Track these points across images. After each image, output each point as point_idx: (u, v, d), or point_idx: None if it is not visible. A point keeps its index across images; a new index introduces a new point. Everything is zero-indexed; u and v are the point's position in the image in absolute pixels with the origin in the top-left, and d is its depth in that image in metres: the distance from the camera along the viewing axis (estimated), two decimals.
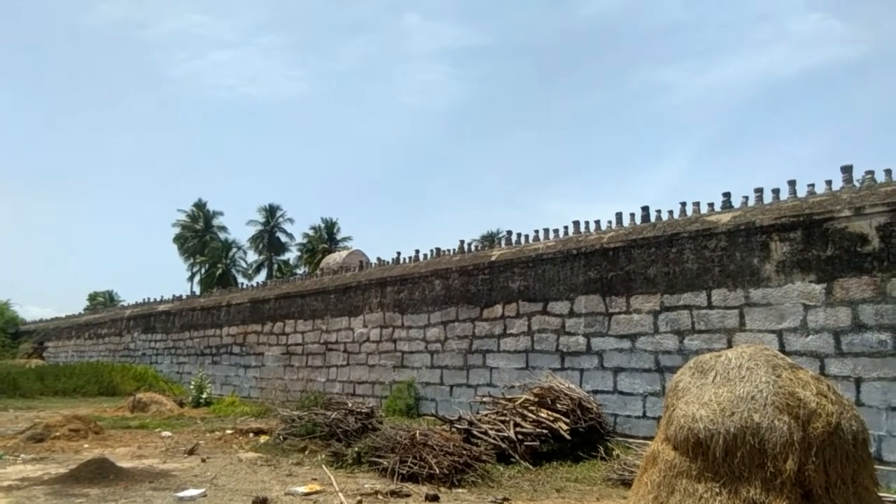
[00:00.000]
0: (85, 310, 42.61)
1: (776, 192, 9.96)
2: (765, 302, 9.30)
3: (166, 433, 12.44)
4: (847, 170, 9.33)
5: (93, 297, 63.33)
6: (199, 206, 61.07)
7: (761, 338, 9.14)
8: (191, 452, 10.04)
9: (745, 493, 4.44)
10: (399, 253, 16.64)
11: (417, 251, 16.06)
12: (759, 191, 10.14)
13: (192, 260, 59.14)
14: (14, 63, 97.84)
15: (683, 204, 11.00)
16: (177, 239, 60.21)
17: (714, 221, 10.12)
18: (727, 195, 10.59)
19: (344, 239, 56.38)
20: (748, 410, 4.65)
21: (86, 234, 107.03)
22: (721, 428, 4.64)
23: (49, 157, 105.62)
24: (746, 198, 10.33)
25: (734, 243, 9.73)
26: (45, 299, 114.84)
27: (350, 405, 11.04)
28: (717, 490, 4.54)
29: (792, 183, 9.82)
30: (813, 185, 9.63)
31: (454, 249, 15.07)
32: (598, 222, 12.22)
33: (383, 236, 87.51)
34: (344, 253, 24.81)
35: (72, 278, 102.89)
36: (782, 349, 8.74)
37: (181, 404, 17.60)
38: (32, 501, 6.72)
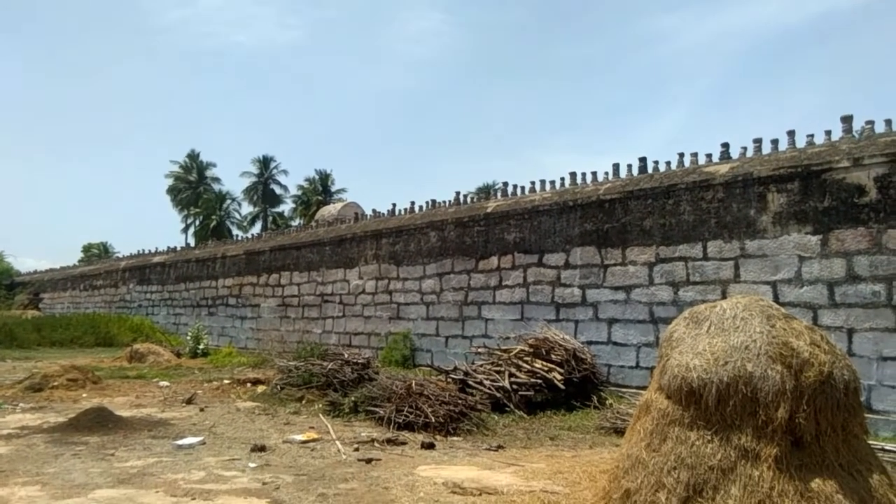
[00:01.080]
0: (80, 261, 42.58)
1: (775, 142, 9.86)
2: (760, 253, 9.31)
3: (164, 383, 12.56)
4: (847, 120, 9.24)
5: (87, 249, 63.16)
6: (192, 157, 60.50)
7: (756, 289, 9.19)
8: (189, 402, 10.14)
9: (736, 441, 4.49)
10: (394, 204, 16.58)
11: (413, 203, 16.00)
12: (758, 141, 10.04)
13: (186, 212, 58.85)
14: (3, 15, 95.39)
15: (681, 155, 10.91)
16: (170, 190, 59.81)
17: (712, 172, 10.05)
18: (725, 146, 10.49)
19: (339, 191, 56.08)
20: (742, 360, 4.67)
21: (79, 186, 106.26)
22: (714, 377, 4.66)
23: (39, 109, 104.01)
24: (745, 149, 10.23)
25: (731, 194, 9.69)
26: (40, 251, 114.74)
27: (346, 356, 11.12)
28: (709, 437, 4.59)
29: (791, 133, 9.73)
30: (812, 136, 9.55)
31: (450, 201, 15.00)
32: (594, 174, 12.14)
33: (378, 188, 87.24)
34: (339, 205, 24.73)
35: (66, 230, 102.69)
36: (777, 300, 8.80)
37: (178, 355, 17.74)
38: (32, 449, 6.79)
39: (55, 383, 11.16)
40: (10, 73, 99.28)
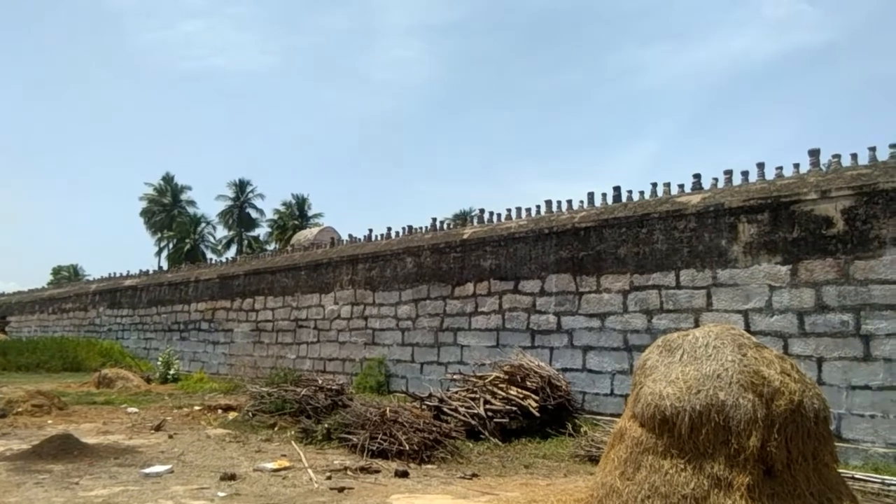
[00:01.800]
0: (49, 284, 41.79)
1: (745, 174, 10.08)
2: (732, 282, 9.44)
3: (132, 409, 12.29)
4: (814, 153, 9.48)
5: (57, 271, 62.15)
6: (167, 179, 60.02)
7: (728, 318, 9.30)
8: (157, 429, 9.93)
9: (709, 469, 4.52)
10: (371, 230, 16.57)
11: (389, 228, 16.00)
12: (729, 173, 10.25)
13: (159, 234, 58.20)
14: None
15: (654, 185, 11.10)
16: (144, 213, 59.18)
17: (684, 203, 10.22)
18: (697, 177, 10.70)
19: (315, 215, 55.93)
20: (714, 388, 4.73)
21: (50, 207, 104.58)
22: (687, 405, 4.71)
23: (9, 128, 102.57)
24: (716, 180, 10.44)
25: (703, 224, 9.85)
26: (8, 273, 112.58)
27: (320, 382, 11.00)
28: (682, 466, 4.62)
29: (761, 166, 9.94)
30: (781, 168, 9.77)
31: (426, 227, 15.04)
32: (570, 202, 12.27)
33: (355, 213, 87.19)
34: (315, 230, 24.64)
35: (36, 252, 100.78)
36: (748, 329, 8.90)
37: (148, 380, 17.41)
38: None
39: (20, 409, 10.88)
40: None
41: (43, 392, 12.04)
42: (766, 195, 9.30)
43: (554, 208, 12.48)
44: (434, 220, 15.07)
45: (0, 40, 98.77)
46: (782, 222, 9.05)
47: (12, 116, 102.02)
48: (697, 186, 10.63)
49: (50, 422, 10.54)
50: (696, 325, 9.37)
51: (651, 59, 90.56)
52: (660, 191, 11.00)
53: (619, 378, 10.43)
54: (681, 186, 10.82)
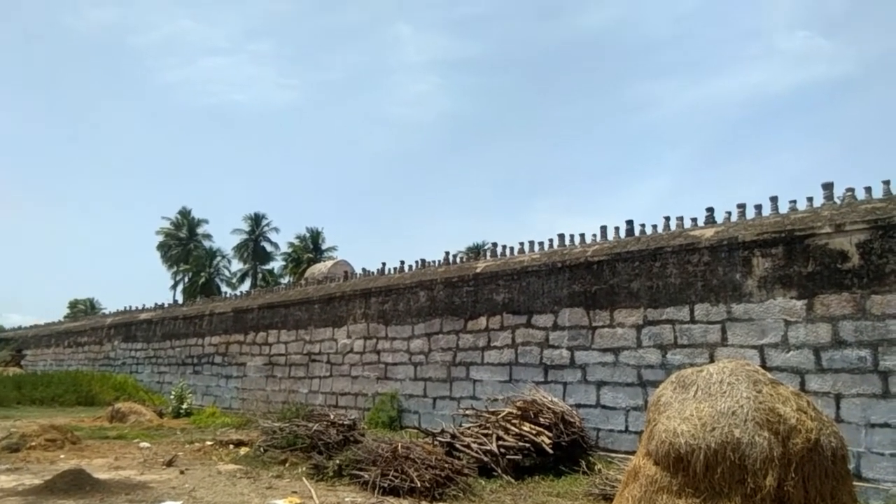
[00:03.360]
0: (65, 317, 42.13)
1: (759, 207, 10.05)
2: (746, 317, 9.36)
3: (145, 444, 12.27)
4: (828, 187, 9.45)
5: (73, 305, 62.61)
6: (184, 213, 60.74)
7: (743, 353, 9.19)
8: (169, 464, 9.90)
9: None
10: (384, 264, 16.61)
11: (402, 262, 16.04)
12: (742, 206, 10.24)
13: (175, 268, 58.69)
14: (0, 66, 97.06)
15: (668, 218, 11.08)
16: (160, 247, 59.78)
17: (697, 236, 10.19)
18: (710, 210, 10.69)
19: (329, 249, 56.26)
20: (729, 426, 4.66)
21: (67, 241, 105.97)
22: (702, 443, 4.64)
23: (29, 162, 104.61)
24: (729, 213, 10.42)
25: (717, 258, 9.80)
26: (25, 307, 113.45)
27: (332, 417, 10.95)
28: None
29: (774, 199, 9.92)
30: (795, 202, 9.74)
31: (439, 261, 15.07)
32: (582, 235, 12.28)
33: (369, 247, 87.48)
34: (329, 263, 24.74)
35: (53, 285, 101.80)
36: (763, 364, 8.80)
37: (161, 415, 17.40)
38: None
39: (33, 443, 10.90)
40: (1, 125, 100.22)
41: (56, 426, 12.06)
42: (779, 229, 9.26)
43: (567, 242, 12.48)
44: (447, 253, 15.12)
45: (24, 76, 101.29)
46: (797, 256, 8.99)
47: (32, 152, 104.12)
48: (711, 220, 10.61)
49: (62, 456, 10.54)
50: (712, 360, 9.27)
51: (664, 92, 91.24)
52: (673, 224, 10.99)
53: (634, 414, 10.29)
54: (694, 220, 10.81)
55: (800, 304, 8.86)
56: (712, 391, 5.02)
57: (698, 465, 4.61)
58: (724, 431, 4.66)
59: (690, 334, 9.90)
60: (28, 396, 21.04)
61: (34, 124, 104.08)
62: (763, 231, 9.42)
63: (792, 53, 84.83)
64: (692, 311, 9.94)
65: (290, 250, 57.65)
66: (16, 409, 19.17)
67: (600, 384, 10.85)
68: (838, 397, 8.33)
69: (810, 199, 9.58)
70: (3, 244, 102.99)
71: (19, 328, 39.60)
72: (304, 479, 8.80)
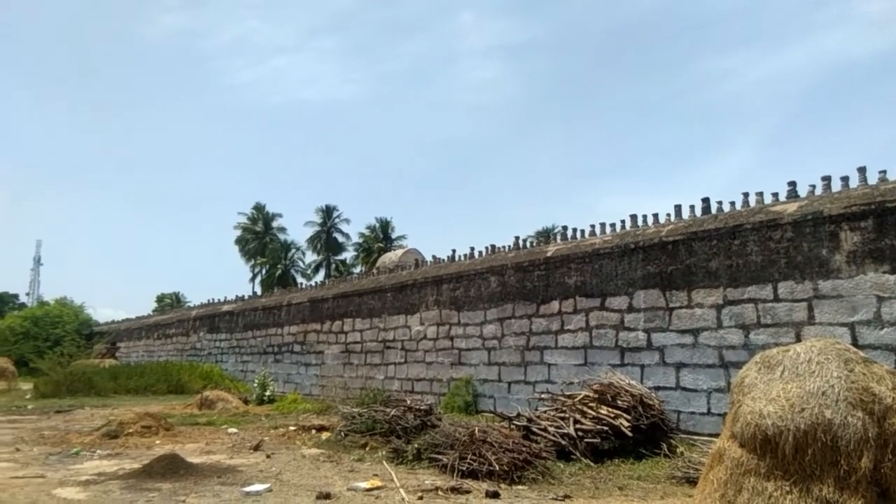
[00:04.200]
0: (153, 311, 44.24)
1: (845, 179, 9.56)
2: (835, 294, 8.95)
3: (232, 430, 12.80)
4: None
5: (161, 299, 65.61)
6: (259, 208, 62.63)
7: (832, 331, 8.80)
8: (256, 448, 10.30)
9: (817, 492, 4.29)
10: (454, 250, 16.70)
11: (472, 248, 16.08)
12: (827, 179, 9.76)
13: (253, 261, 60.66)
14: (88, 76, 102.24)
15: (746, 195, 10.68)
16: (238, 241, 61.91)
17: (779, 212, 9.79)
18: (792, 184, 10.23)
19: (399, 237, 56.92)
20: (819, 406, 4.49)
21: (154, 239, 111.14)
22: (790, 424, 4.49)
23: (118, 169, 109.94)
24: (813, 186, 9.95)
25: (801, 234, 9.39)
26: (117, 301, 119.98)
27: (409, 402, 11.12)
28: (788, 488, 4.40)
29: (862, 170, 9.41)
30: (885, 172, 9.22)
31: (509, 246, 15.02)
32: (656, 215, 11.98)
33: (438, 234, 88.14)
34: (399, 251, 25.02)
35: (142, 281, 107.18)
36: (854, 343, 8.40)
37: (246, 402, 18.08)
38: (108, 495, 7.01)
39: (130, 430, 11.52)
40: (90, 136, 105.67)
41: (151, 414, 12.72)
42: (869, 201, 8.79)
43: (639, 222, 12.21)
44: (517, 238, 15.05)
45: (106, 84, 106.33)
46: (888, 229, 8.51)
47: (119, 159, 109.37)
48: (793, 194, 10.16)
49: (158, 442, 11.12)
50: (798, 339, 8.92)
51: (737, 64, 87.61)
52: (752, 201, 10.58)
53: (716, 396, 10.02)
54: (775, 195, 10.38)
55: (893, 278, 8.40)
56: (800, 371, 4.84)
57: (787, 447, 4.46)
58: (813, 412, 4.49)
59: (774, 313, 9.54)
60: (123, 386, 22.27)
61: (117, 131, 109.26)
62: (851, 203, 8.96)
63: (871, 17, 79.84)
64: (776, 290, 9.57)
65: (360, 240, 58.70)
66: (112, 399, 20.34)
67: (679, 366, 10.60)
68: None
69: None
70: (96, 244, 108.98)
71: (112, 322, 41.88)
72: (384, 462, 9.00)
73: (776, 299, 9.56)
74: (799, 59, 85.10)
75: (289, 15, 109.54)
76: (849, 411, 4.41)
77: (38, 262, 74.20)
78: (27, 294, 67.21)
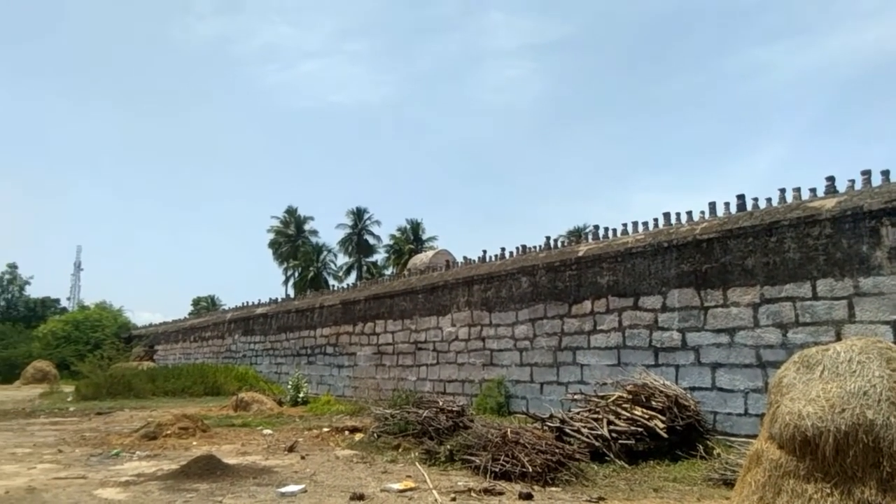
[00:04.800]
0: (190, 314, 45.04)
1: (885, 173, 9.32)
2: (876, 291, 8.71)
3: (267, 431, 12.96)
4: None
5: (196, 302, 66.75)
6: (291, 212, 63.36)
7: (873, 329, 8.58)
8: (290, 450, 10.40)
9: (858, 494, 4.18)
10: (485, 251, 16.67)
11: (503, 249, 16.03)
12: (867, 173, 9.51)
13: (285, 264, 61.39)
14: (124, 81, 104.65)
15: (783, 191, 10.47)
16: (271, 244, 62.72)
17: (817, 207, 9.57)
18: (831, 179, 9.99)
19: (429, 239, 57.05)
20: (860, 407, 4.38)
21: (190, 243, 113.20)
22: (831, 425, 4.38)
23: (154, 176, 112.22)
24: (853, 181, 9.71)
25: (840, 230, 9.17)
26: (154, 304, 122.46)
27: (441, 403, 11.13)
28: (829, 491, 4.29)
29: None
30: None
31: (540, 246, 14.94)
32: (689, 213, 11.81)
33: (468, 235, 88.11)
34: (430, 253, 25.09)
35: (178, 285, 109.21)
36: None
37: (280, 403, 18.28)
38: (148, 496, 7.15)
39: (168, 432, 11.73)
40: (124, 143, 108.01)
41: (188, 415, 12.93)
42: None
43: (672, 221, 12.05)
44: (548, 238, 14.97)
45: (139, 90, 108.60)
46: None
47: (156, 166, 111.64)
48: (831, 190, 9.93)
49: (195, 443, 11.30)
50: (838, 338, 8.70)
51: (773, 57, 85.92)
52: (789, 197, 10.36)
53: (753, 397, 9.84)
54: (812, 191, 10.15)
55: None
56: (840, 371, 4.72)
57: (828, 449, 4.35)
58: (855, 413, 4.38)
59: (813, 311, 9.33)
60: (161, 388, 22.69)
61: (150, 137, 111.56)
62: (892, 198, 8.72)
63: None
64: (814, 287, 9.36)
65: (391, 242, 59.00)
66: (150, 400, 20.74)
67: (715, 366, 10.43)
68: None
69: None
70: (134, 248, 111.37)
71: (150, 325, 42.72)
72: (416, 463, 9.01)
73: (815, 297, 9.34)
74: (837, 51, 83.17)
75: (319, 19, 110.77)
76: (891, 411, 4.29)
77: (78, 267, 76.10)
78: (68, 299, 68.82)
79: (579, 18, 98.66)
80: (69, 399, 21.59)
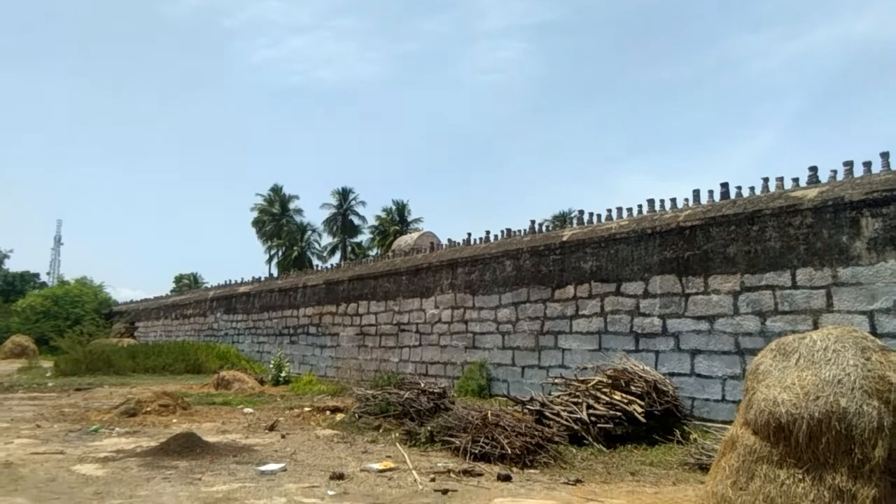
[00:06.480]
0: (171, 291, 44.70)
1: (867, 165, 9.41)
2: (854, 281, 8.83)
3: (248, 410, 12.95)
4: None
5: (178, 279, 66.26)
6: (276, 190, 62.88)
7: (850, 319, 8.71)
8: (271, 429, 10.42)
9: (830, 481, 4.26)
10: (469, 234, 16.69)
11: (488, 232, 16.05)
12: (849, 164, 9.60)
13: (269, 243, 61.05)
14: (108, 54, 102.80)
15: (766, 180, 10.56)
16: (255, 223, 62.24)
17: (799, 197, 9.66)
18: (813, 169, 10.08)
19: (415, 220, 56.94)
20: (834, 395, 4.45)
21: (172, 219, 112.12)
22: (805, 412, 4.45)
23: (136, 149, 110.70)
24: (835, 172, 9.80)
25: (821, 220, 9.27)
26: (135, 281, 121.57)
27: (422, 385, 11.18)
28: (801, 476, 4.38)
29: (885, 155, 9.26)
30: None
31: (525, 230, 14.97)
32: (673, 200, 11.88)
33: (454, 218, 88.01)
34: (415, 234, 25.04)
35: (160, 261, 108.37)
36: (873, 331, 8.30)
37: (262, 382, 18.26)
38: (126, 472, 7.13)
39: (148, 409, 11.69)
40: (107, 113, 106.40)
41: (168, 393, 12.89)
42: (891, 186, 8.64)
43: (657, 207, 12.12)
44: (533, 222, 15.00)
45: (125, 62, 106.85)
46: None
47: (138, 140, 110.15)
48: (814, 180, 10.02)
49: (175, 421, 11.27)
50: (815, 327, 8.83)
51: (761, 46, 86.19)
52: (772, 186, 10.45)
53: (731, 383, 9.98)
54: (795, 180, 10.24)
55: None
56: (816, 359, 4.79)
57: (801, 435, 4.43)
58: (828, 400, 4.45)
59: (792, 300, 9.45)
60: (141, 365, 22.58)
61: (135, 110, 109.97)
62: (872, 189, 8.81)
63: None
64: (794, 276, 9.47)
65: (376, 223, 58.80)
66: (131, 377, 20.64)
67: (695, 352, 10.55)
68: None
69: None
70: (116, 224, 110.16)
71: (131, 302, 42.38)
72: (397, 444, 9.06)
73: (794, 286, 9.46)
74: (827, 40, 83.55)
75: None
76: (864, 400, 4.36)
77: (58, 241, 75.29)
78: (48, 273, 68.16)
79: (571, 1, 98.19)
80: (48, 374, 21.43)
